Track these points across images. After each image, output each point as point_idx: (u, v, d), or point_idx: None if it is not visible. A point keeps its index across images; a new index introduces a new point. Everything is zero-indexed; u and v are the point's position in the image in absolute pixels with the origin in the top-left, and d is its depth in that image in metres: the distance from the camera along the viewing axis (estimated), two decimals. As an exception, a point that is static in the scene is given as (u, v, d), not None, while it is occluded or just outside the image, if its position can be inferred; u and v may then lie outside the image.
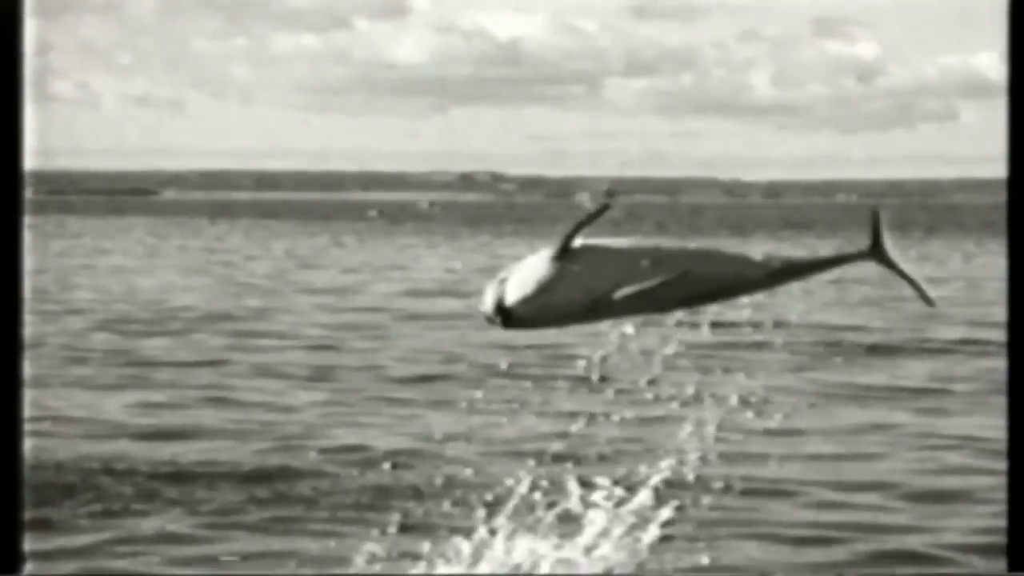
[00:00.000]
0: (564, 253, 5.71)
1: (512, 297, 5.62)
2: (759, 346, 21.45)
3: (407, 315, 28.12)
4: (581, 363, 20.88)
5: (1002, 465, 12.96)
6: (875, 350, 22.08)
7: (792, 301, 26.27)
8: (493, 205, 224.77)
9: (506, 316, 5.59)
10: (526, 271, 5.68)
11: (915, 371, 19.63)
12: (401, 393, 17.38)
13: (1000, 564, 7.65)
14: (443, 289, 35.75)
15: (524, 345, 22.72)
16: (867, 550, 9.97)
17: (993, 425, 15.16)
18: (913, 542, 10.25)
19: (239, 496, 11.37)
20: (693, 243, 6.08)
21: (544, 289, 5.62)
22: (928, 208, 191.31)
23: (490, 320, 5.71)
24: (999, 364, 20.43)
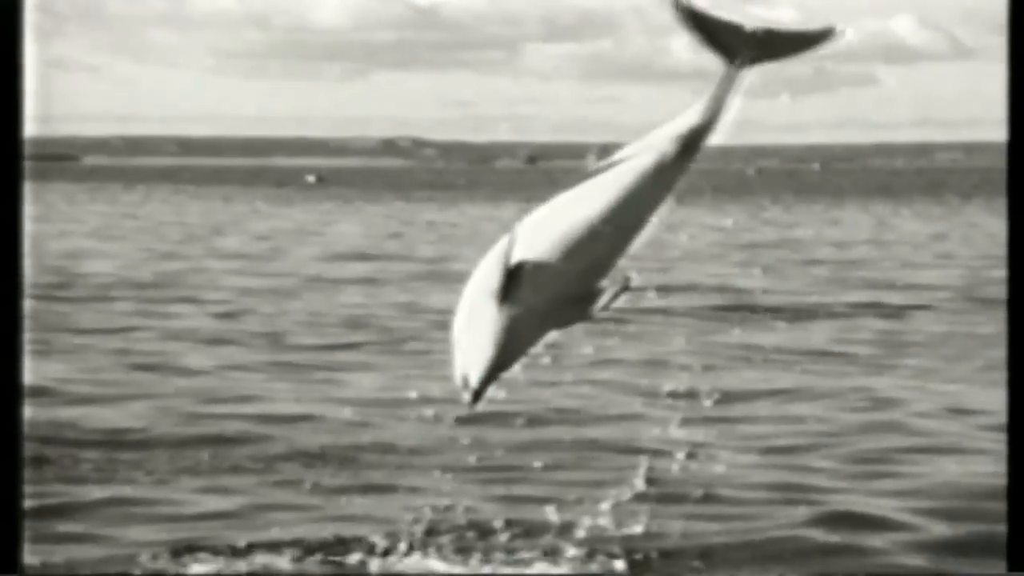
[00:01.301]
0: (506, 294, 5.58)
1: (475, 377, 5.55)
2: (663, 312, 21.74)
3: (317, 279, 28.23)
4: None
5: (890, 416, 13.27)
6: (778, 312, 22.38)
7: (698, 265, 26.72)
8: (413, 170, 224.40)
9: (475, 396, 5.58)
10: (480, 334, 5.56)
11: (815, 334, 19.90)
12: (303, 358, 17.50)
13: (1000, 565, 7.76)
14: (356, 254, 35.85)
15: (432, 310, 22.87)
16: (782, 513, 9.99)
17: (891, 384, 15.45)
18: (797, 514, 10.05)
19: (174, 461, 11.38)
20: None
21: (503, 353, 5.53)
22: (845, 172, 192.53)
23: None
24: (900, 327, 20.81)
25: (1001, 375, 16.21)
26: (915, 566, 8.54)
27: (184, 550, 8.53)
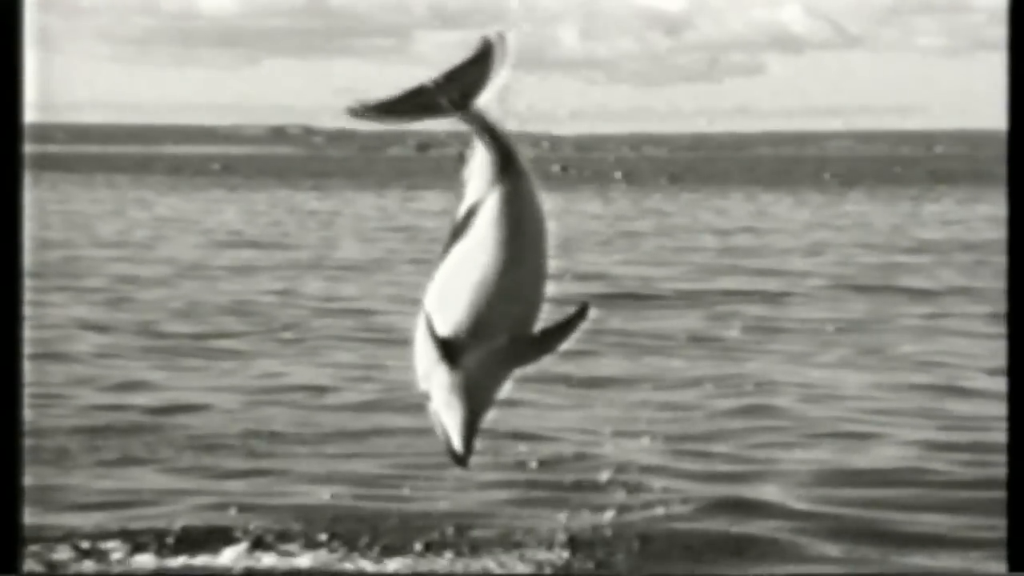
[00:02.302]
0: (450, 360, 5.48)
1: (456, 441, 5.52)
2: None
3: (197, 267, 28.17)
4: (373, 319, 21.02)
5: (765, 401, 13.49)
6: (652, 300, 22.65)
7: (578, 253, 26.78)
8: (300, 158, 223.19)
9: (462, 459, 5.55)
10: (443, 401, 5.48)
11: (690, 320, 20.15)
12: (181, 345, 17.51)
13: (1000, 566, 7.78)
14: (237, 242, 35.77)
15: (311, 296, 22.91)
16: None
17: (764, 369, 15.70)
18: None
19: (61, 450, 11.33)
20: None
21: (471, 410, 5.44)
22: (731, 161, 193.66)
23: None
24: (774, 312, 21.11)
25: (870, 360, 16.55)
26: (839, 558, 8.50)
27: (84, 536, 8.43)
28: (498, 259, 5.50)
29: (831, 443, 11.71)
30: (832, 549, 8.49)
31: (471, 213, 5.65)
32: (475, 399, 5.40)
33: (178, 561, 8.03)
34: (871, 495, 9.80)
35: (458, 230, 5.65)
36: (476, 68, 5.61)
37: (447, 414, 5.39)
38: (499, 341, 5.45)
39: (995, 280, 25.70)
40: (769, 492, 9.90)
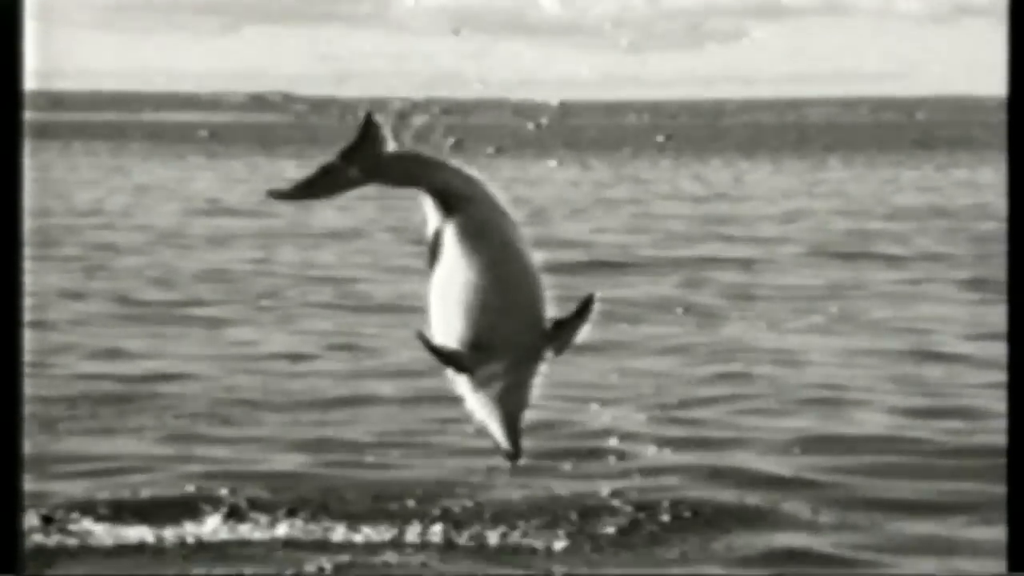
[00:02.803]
0: (469, 372, 5.66)
1: (503, 441, 5.61)
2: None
3: (174, 234, 28.18)
4: (348, 288, 20.99)
5: (738, 368, 13.52)
6: (627, 267, 22.71)
7: (554, 220, 26.81)
8: (284, 125, 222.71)
9: (513, 456, 5.66)
10: (481, 410, 5.72)
11: (663, 287, 20.20)
12: (156, 313, 17.53)
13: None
14: (214, 209, 35.77)
15: (287, 264, 22.93)
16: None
17: (737, 336, 15.76)
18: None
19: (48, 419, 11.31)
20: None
21: (508, 411, 5.65)
22: (712, 128, 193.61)
23: None
24: (748, 279, 21.17)
25: (846, 326, 16.60)
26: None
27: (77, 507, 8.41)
28: (475, 285, 5.58)
29: (812, 410, 11.72)
30: (825, 517, 8.44)
31: (436, 244, 5.74)
32: (510, 401, 5.61)
33: (156, 531, 7.98)
34: (856, 462, 9.79)
35: (431, 258, 5.75)
36: (366, 143, 5.84)
37: (490, 421, 5.63)
38: (511, 348, 5.60)
39: (970, 246, 25.80)
40: (756, 460, 9.87)
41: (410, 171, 5.79)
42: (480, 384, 5.65)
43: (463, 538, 8.05)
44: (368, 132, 5.92)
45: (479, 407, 5.69)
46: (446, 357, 5.56)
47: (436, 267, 5.70)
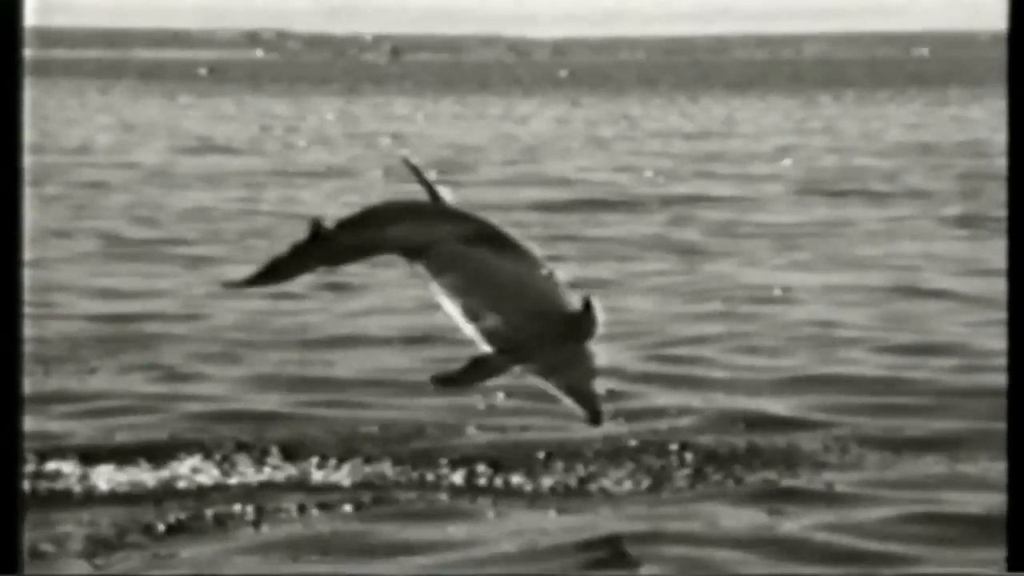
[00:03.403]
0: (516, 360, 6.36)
1: (588, 413, 6.37)
2: (503, 208, 21.94)
3: (160, 173, 28.13)
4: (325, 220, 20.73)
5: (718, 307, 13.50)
6: (615, 205, 22.70)
7: (545, 158, 26.69)
8: (279, 64, 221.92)
9: (597, 421, 6.40)
10: (561, 388, 6.42)
11: (649, 226, 20.17)
12: (140, 251, 17.52)
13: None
14: (201, 148, 35.69)
15: (273, 202, 22.90)
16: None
17: (726, 273, 15.74)
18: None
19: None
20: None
21: (579, 387, 6.38)
22: (707, 65, 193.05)
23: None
24: (729, 216, 21.14)
25: (829, 264, 16.57)
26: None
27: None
28: (466, 306, 6.23)
29: (803, 349, 11.59)
30: (836, 456, 8.25)
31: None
32: (570, 376, 6.31)
33: (132, 474, 7.87)
34: (858, 402, 9.71)
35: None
36: (314, 245, 6.46)
37: (567, 398, 6.31)
38: (528, 342, 6.23)
39: (959, 183, 25.76)
40: (758, 401, 9.73)
41: (363, 248, 6.44)
42: (529, 372, 6.26)
43: (436, 476, 7.94)
44: (316, 236, 6.51)
45: (550, 387, 6.32)
46: (477, 372, 6.19)
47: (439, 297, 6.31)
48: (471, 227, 6.39)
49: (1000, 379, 5.31)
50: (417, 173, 6.51)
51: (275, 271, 6.45)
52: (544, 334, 6.23)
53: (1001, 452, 7.84)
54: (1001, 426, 5.19)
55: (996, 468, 7.77)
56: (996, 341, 10.59)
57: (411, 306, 12.95)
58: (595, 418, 6.34)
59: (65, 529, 6.88)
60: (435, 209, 6.41)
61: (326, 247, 6.39)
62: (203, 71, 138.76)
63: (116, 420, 9.11)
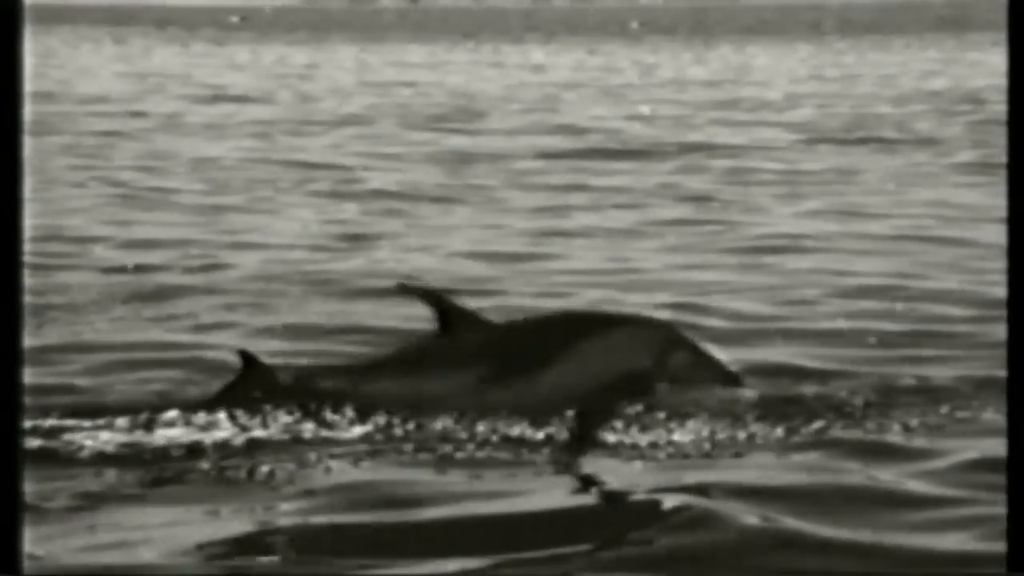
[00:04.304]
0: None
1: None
2: (502, 157, 21.92)
3: (171, 122, 28.16)
4: (347, 174, 20.59)
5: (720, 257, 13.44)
6: (620, 154, 22.68)
7: (549, 109, 26.42)
8: (302, 10, 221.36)
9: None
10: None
11: (653, 176, 20.13)
12: (147, 197, 17.58)
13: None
14: (215, 96, 35.67)
15: (279, 160, 22.89)
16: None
17: (737, 220, 15.73)
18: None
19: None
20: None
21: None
22: (728, 11, 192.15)
23: None
24: (740, 164, 21.10)
25: (832, 210, 16.49)
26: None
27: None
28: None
29: (830, 300, 11.33)
30: (882, 408, 7.90)
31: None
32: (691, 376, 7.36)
33: (121, 436, 7.63)
34: (890, 354, 9.47)
35: None
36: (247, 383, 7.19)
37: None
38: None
39: (971, 130, 25.69)
40: (782, 352, 9.46)
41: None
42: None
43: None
44: (247, 372, 7.11)
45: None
46: (580, 439, 6.82)
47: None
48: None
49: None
50: (420, 294, 6.68)
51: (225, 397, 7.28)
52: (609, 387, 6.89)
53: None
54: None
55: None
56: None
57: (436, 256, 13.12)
58: (733, 380, 7.14)
59: (98, 475, 6.88)
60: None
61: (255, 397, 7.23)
62: (235, 19, 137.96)
63: (148, 373, 8.82)
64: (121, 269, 12.70)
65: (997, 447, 6.73)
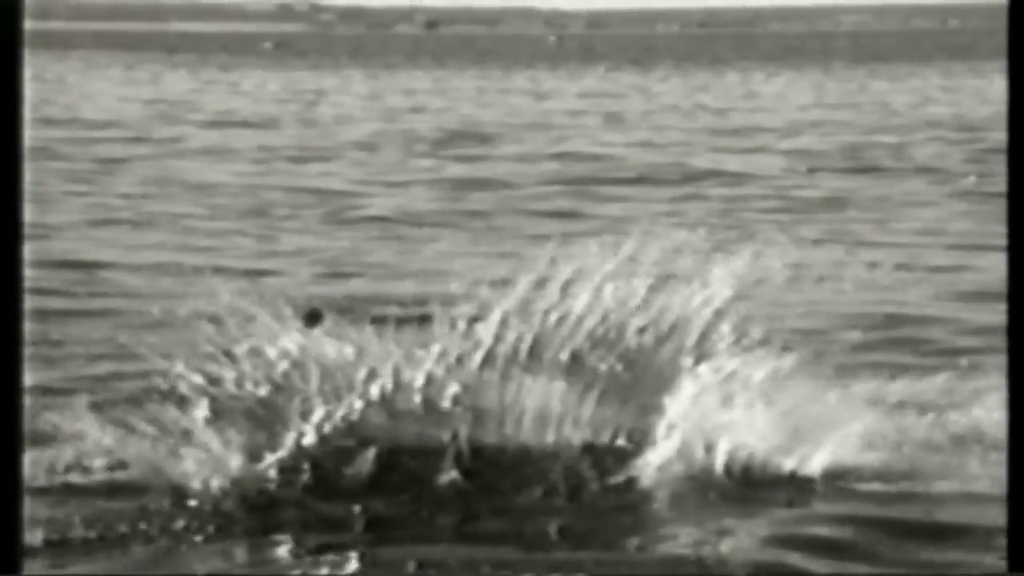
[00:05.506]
0: None
1: None
2: (505, 185, 21.98)
3: (174, 147, 28.27)
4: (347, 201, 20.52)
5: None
6: (619, 182, 22.74)
7: (544, 132, 26.32)
8: (309, 36, 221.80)
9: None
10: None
11: (654, 204, 20.16)
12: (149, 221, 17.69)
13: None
14: (214, 122, 35.77)
15: (284, 174, 22.94)
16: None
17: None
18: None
19: None
20: None
21: None
22: (741, 38, 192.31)
23: None
24: (739, 192, 21.12)
25: (832, 242, 16.47)
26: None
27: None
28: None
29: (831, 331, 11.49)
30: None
31: None
32: None
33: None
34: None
35: None
36: None
37: None
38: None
39: (970, 159, 25.69)
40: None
41: None
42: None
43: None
44: None
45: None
46: None
47: None
48: None
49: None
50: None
51: None
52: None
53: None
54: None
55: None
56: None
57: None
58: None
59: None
60: None
61: None
62: (268, 45, 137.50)
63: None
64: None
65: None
